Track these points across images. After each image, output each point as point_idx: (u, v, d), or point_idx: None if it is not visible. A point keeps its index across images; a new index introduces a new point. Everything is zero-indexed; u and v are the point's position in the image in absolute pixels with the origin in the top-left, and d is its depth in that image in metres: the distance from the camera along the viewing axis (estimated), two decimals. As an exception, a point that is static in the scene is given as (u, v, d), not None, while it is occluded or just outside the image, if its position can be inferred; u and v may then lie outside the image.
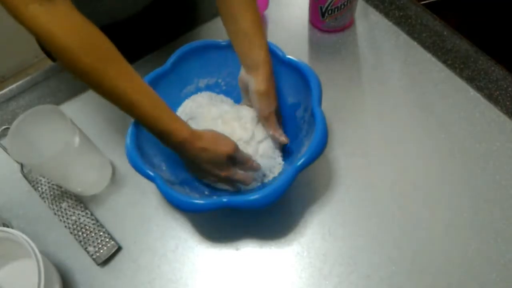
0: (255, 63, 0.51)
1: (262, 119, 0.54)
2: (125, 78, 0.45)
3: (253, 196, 0.45)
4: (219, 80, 0.62)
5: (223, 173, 0.51)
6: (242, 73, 0.54)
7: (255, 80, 0.51)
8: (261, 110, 0.53)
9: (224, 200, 0.46)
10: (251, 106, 0.56)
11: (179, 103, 0.60)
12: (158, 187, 0.47)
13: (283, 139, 0.54)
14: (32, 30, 0.41)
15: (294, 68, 0.53)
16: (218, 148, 0.49)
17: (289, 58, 0.54)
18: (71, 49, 0.41)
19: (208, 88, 0.62)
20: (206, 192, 0.54)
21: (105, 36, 0.45)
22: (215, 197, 0.48)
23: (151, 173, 0.47)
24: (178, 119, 0.48)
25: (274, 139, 0.55)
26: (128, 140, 0.50)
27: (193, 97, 0.61)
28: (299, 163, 0.46)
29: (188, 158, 0.50)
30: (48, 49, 0.43)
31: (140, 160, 0.48)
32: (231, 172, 0.51)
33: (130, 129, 0.51)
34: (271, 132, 0.54)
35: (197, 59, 0.59)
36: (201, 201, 0.46)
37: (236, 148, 0.50)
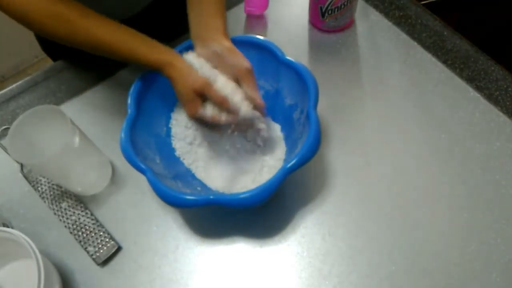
0: (214, 30, 0.52)
1: (241, 77, 0.51)
2: (98, 27, 0.50)
3: (241, 195, 0.45)
4: None
5: (188, 110, 0.51)
6: (198, 49, 0.53)
7: (222, 41, 0.51)
8: (238, 66, 0.50)
9: (211, 197, 0.46)
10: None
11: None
12: (148, 179, 0.47)
13: (259, 101, 0.51)
14: (8, 12, 0.49)
15: (292, 69, 0.53)
16: (187, 80, 0.50)
17: (287, 59, 0.54)
18: (43, 20, 0.49)
19: None
20: (199, 188, 0.54)
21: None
22: (203, 194, 0.48)
23: (142, 166, 0.48)
24: (155, 48, 0.51)
25: (250, 99, 0.51)
26: (122, 133, 0.51)
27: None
28: (289, 165, 0.46)
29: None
30: (29, 29, 0.51)
31: (132, 153, 0.49)
32: (199, 111, 0.51)
33: (125, 123, 0.51)
34: (248, 92, 0.50)
35: None
36: (188, 197, 0.46)
37: (205, 84, 0.50)
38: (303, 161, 0.46)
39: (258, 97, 0.51)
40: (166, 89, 0.57)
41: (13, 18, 0.49)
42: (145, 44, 0.51)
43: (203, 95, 0.50)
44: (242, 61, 0.50)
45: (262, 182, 0.46)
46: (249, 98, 0.51)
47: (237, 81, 0.51)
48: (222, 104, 0.50)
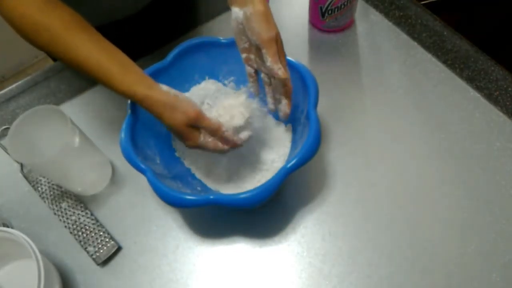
0: None
1: (262, 45, 0.46)
2: (79, 41, 0.46)
3: (241, 195, 0.45)
4: (220, 78, 0.62)
5: (187, 143, 0.48)
6: (235, 10, 0.48)
7: (252, 4, 0.46)
8: (262, 34, 0.46)
9: (211, 197, 0.46)
10: (248, 52, 0.51)
11: None
12: (148, 179, 0.47)
13: (281, 72, 0.46)
14: (3, 16, 0.46)
15: (292, 69, 0.53)
16: (174, 115, 0.46)
17: (287, 59, 0.53)
18: (28, 30, 0.46)
19: None
20: (199, 188, 0.54)
21: (65, 9, 0.47)
22: (203, 194, 0.48)
23: (142, 166, 0.48)
24: (134, 79, 0.46)
25: (271, 72, 0.47)
26: (122, 133, 0.51)
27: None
28: (289, 165, 0.46)
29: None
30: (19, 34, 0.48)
31: (132, 153, 0.49)
32: (198, 142, 0.48)
33: (125, 123, 0.51)
34: (268, 62, 0.46)
35: (197, 56, 0.59)
36: (188, 197, 0.46)
37: (197, 115, 0.46)
38: (303, 161, 0.46)
39: (278, 68, 0.46)
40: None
41: (6, 21, 0.47)
42: (121, 70, 0.46)
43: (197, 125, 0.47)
44: (266, 28, 0.46)
45: (263, 182, 0.46)
46: (268, 70, 0.47)
47: (259, 50, 0.48)
48: (217, 132, 0.48)
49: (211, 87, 0.61)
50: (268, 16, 0.46)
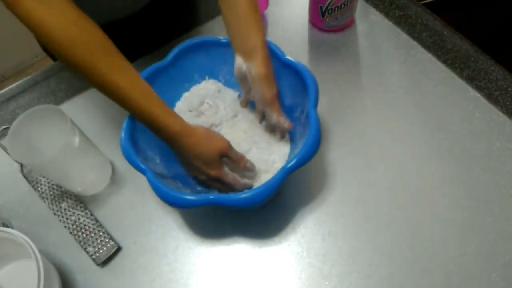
0: (253, 48, 0.50)
1: (266, 104, 0.52)
2: (117, 73, 0.45)
3: (241, 195, 0.45)
4: (220, 78, 0.62)
5: (213, 172, 0.50)
6: (239, 61, 0.53)
7: (255, 65, 0.50)
8: (264, 94, 0.51)
9: (211, 197, 0.46)
10: (248, 94, 0.57)
11: (178, 99, 0.61)
12: (148, 179, 0.47)
13: (287, 125, 0.52)
14: (26, 23, 0.42)
15: (292, 69, 0.53)
16: (210, 144, 0.49)
17: (287, 58, 0.54)
18: (64, 43, 0.43)
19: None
20: (198, 188, 0.54)
21: (101, 30, 0.45)
22: (203, 194, 0.48)
23: (142, 166, 0.48)
24: (171, 112, 0.48)
25: (278, 125, 0.53)
26: (122, 133, 0.51)
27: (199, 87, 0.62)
28: (289, 165, 0.46)
29: (180, 153, 0.50)
30: (42, 43, 0.44)
31: (133, 153, 0.49)
32: (222, 172, 0.50)
33: (125, 123, 0.51)
34: (274, 117, 0.52)
35: (197, 56, 0.59)
36: (188, 197, 0.46)
37: (229, 146, 0.50)
38: (303, 161, 0.46)
39: (284, 122, 0.52)
40: (166, 89, 0.57)
41: (24, 23, 0.43)
42: (161, 104, 0.48)
43: (224, 156, 0.50)
44: (267, 90, 0.51)
45: (263, 182, 0.46)
46: (276, 124, 0.53)
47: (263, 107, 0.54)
48: (240, 162, 0.51)
49: (211, 87, 0.61)
50: (269, 78, 0.51)
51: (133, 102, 0.46)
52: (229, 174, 0.51)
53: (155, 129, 0.48)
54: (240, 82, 0.56)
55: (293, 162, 0.46)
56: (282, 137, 0.56)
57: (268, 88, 0.51)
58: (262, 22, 0.52)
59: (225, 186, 0.52)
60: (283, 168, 0.46)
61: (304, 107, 0.51)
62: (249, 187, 0.53)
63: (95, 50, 0.44)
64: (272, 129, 0.56)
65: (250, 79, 0.52)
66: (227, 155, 0.50)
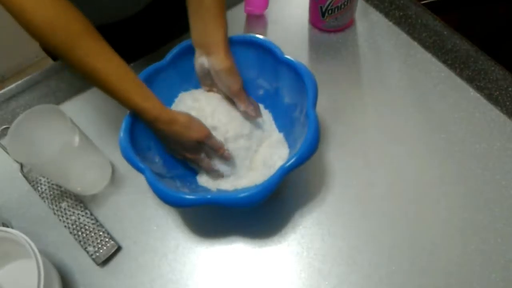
0: (215, 42, 0.51)
1: (233, 96, 0.54)
2: (95, 55, 0.46)
3: (239, 195, 0.45)
4: None
5: (189, 155, 0.52)
6: (199, 56, 0.54)
7: (219, 59, 0.51)
8: (231, 87, 0.53)
9: (209, 196, 0.46)
10: (210, 87, 0.57)
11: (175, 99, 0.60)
12: (146, 178, 0.47)
13: (254, 114, 0.54)
14: (7, 7, 0.43)
15: (291, 68, 0.53)
16: (190, 134, 0.50)
17: (286, 58, 0.53)
18: (42, 25, 0.43)
19: None
20: (198, 187, 0.54)
21: (80, 12, 0.46)
22: (201, 193, 0.48)
23: (141, 165, 0.48)
24: (151, 97, 0.49)
25: (246, 115, 0.55)
26: (121, 132, 0.51)
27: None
28: (288, 164, 0.46)
29: (159, 136, 0.52)
30: (23, 27, 0.45)
31: (131, 152, 0.49)
32: (198, 157, 0.53)
33: (124, 122, 0.51)
34: (242, 108, 0.54)
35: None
36: (186, 196, 0.46)
37: (208, 135, 0.51)
38: (301, 161, 0.46)
39: (252, 111, 0.54)
40: (166, 89, 0.57)
41: (9, 12, 0.44)
42: (137, 85, 0.49)
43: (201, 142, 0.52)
44: (233, 83, 0.52)
45: (261, 181, 0.46)
46: (244, 113, 0.55)
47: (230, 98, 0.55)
48: (218, 151, 0.53)
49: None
50: (233, 70, 0.52)
51: (111, 85, 0.47)
52: (204, 160, 0.53)
53: (136, 112, 0.49)
54: (201, 78, 0.57)
55: (291, 161, 0.46)
56: (254, 118, 0.56)
57: (234, 81, 0.52)
58: (225, 17, 0.52)
59: (199, 167, 0.55)
60: (282, 167, 0.46)
61: (303, 106, 0.51)
62: (222, 176, 0.55)
63: (73, 32, 0.44)
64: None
65: (214, 74, 0.53)
66: (205, 144, 0.52)
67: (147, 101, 0.48)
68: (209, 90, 0.58)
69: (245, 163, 0.55)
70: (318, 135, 0.47)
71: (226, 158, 0.54)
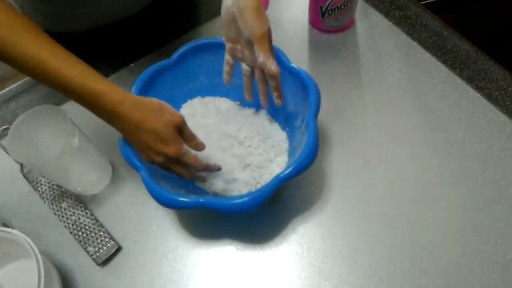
0: None
1: (254, 41, 0.46)
2: (40, 46, 0.42)
3: (233, 200, 0.46)
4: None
5: (171, 150, 0.44)
6: (227, 1, 0.47)
7: None
8: (254, 28, 0.45)
9: (201, 200, 0.46)
10: (235, 45, 0.51)
11: (182, 98, 0.61)
12: (142, 177, 0.48)
13: (274, 67, 0.46)
14: None
15: (296, 76, 0.53)
16: (162, 116, 0.43)
17: (291, 66, 0.53)
18: None
19: (212, 86, 0.61)
20: (195, 190, 0.54)
21: (14, 9, 0.43)
22: (196, 196, 0.48)
23: (137, 163, 0.48)
24: (110, 83, 0.43)
25: (265, 67, 0.47)
26: None
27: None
28: (283, 174, 0.46)
29: (125, 129, 0.45)
30: None
31: (129, 150, 0.49)
32: (180, 149, 0.45)
33: None
34: (261, 57, 0.46)
35: (203, 56, 0.59)
36: (179, 198, 0.46)
37: (184, 121, 0.45)
38: (298, 171, 0.46)
39: (271, 64, 0.46)
40: (166, 90, 0.57)
41: None
42: (95, 74, 0.44)
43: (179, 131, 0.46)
44: (258, 24, 0.45)
45: (258, 188, 0.47)
46: (261, 65, 0.47)
47: (251, 44, 0.47)
48: (192, 141, 0.48)
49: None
50: (261, 11, 0.45)
51: (62, 74, 0.42)
52: (191, 152, 0.47)
53: (92, 101, 0.43)
54: (225, 29, 0.50)
55: (287, 171, 0.46)
56: (274, 91, 0.50)
57: (259, 22, 0.45)
58: None
59: (186, 170, 0.48)
60: (276, 177, 0.46)
61: (305, 116, 0.51)
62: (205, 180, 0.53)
63: (15, 26, 0.42)
64: (260, 79, 0.51)
65: (238, 16, 0.46)
66: (182, 131, 0.46)
67: (106, 85, 0.43)
68: (232, 50, 0.52)
69: (241, 164, 0.55)
70: (317, 148, 0.47)
71: (201, 148, 0.48)
